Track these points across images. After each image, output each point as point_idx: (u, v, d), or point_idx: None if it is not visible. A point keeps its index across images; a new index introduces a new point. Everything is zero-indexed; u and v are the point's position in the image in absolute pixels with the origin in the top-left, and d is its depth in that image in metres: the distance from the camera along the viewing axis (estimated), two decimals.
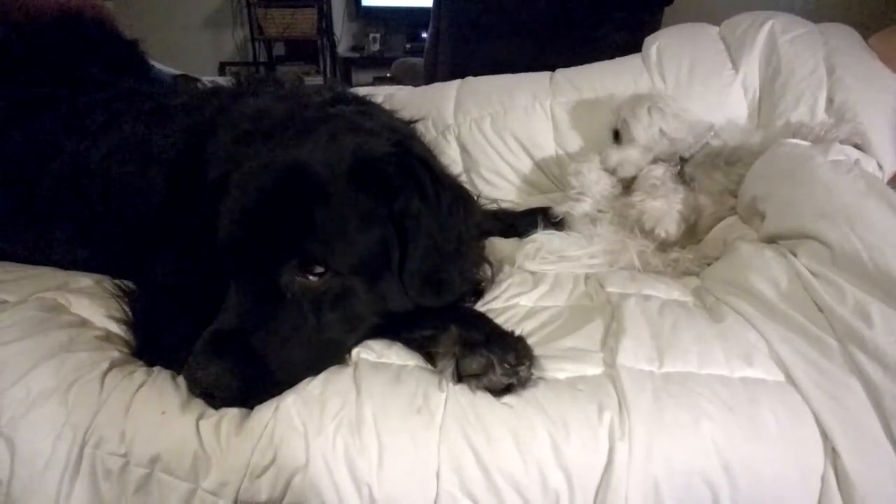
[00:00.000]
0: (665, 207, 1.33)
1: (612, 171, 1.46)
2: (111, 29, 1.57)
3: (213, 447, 0.80)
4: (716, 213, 1.36)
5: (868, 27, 1.69)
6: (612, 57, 1.87)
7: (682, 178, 1.42)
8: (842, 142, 1.33)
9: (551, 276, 1.21)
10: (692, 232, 1.38)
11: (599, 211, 1.42)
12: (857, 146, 1.34)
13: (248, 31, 4.87)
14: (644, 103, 1.44)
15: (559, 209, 1.46)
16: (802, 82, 1.53)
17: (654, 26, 2.41)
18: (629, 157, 1.44)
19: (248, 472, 0.79)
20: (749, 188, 1.27)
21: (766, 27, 1.66)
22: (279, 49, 5.05)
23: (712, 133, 1.44)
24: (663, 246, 1.34)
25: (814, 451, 0.79)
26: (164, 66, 1.79)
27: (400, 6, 4.90)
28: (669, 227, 1.30)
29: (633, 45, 1.89)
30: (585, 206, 1.42)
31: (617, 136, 1.48)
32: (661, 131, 1.41)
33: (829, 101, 1.49)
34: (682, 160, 1.43)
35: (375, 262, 0.90)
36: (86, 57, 1.43)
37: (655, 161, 1.44)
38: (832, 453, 0.78)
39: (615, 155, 1.45)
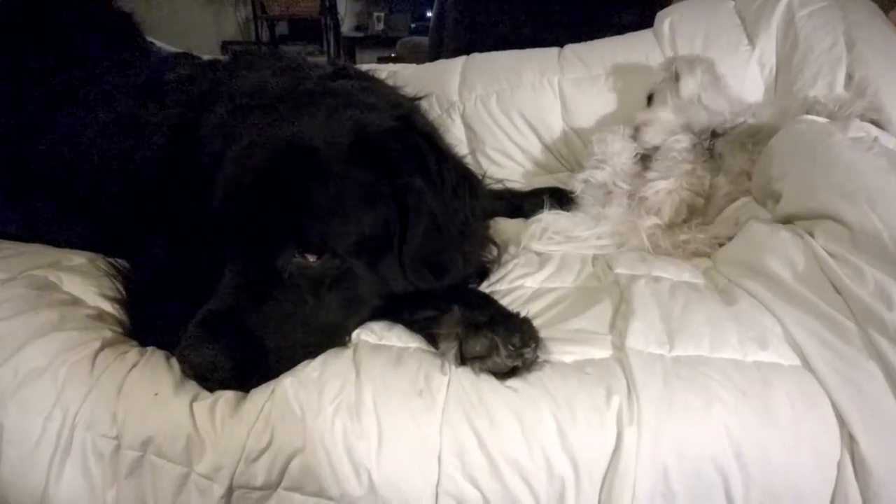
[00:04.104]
0: (670, 188, 1.30)
1: (635, 132, 1.43)
2: (105, 2, 1.54)
3: (207, 430, 0.78)
4: (730, 193, 1.32)
5: (888, 1, 1.64)
6: (621, 34, 1.82)
7: (710, 153, 1.38)
8: (858, 118, 1.29)
9: (558, 257, 1.19)
10: (704, 212, 1.34)
11: (615, 184, 1.39)
12: (874, 122, 1.30)
13: (250, 9, 4.82)
14: (703, 63, 1.42)
15: (578, 177, 1.43)
16: (821, 58, 1.49)
17: (663, 3, 2.36)
18: (660, 119, 1.41)
19: (243, 455, 0.77)
20: (764, 168, 1.23)
21: (784, 1, 1.61)
22: (283, 28, 5.01)
23: (751, 112, 1.40)
24: (673, 227, 1.31)
25: (830, 438, 0.76)
26: (165, 45, 1.75)
27: None
28: (666, 211, 1.30)
29: (642, 24, 1.85)
30: (605, 174, 1.39)
31: (650, 101, 1.45)
32: (701, 98, 1.39)
33: (849, 76, 1.45)
34: (715, 135, 1.39)
35: (376, 242, 0.88)
36: (80, 30, 1.41)
37: (687, 132, 1.40)
38: (849, 439, 0.76)
39: (643, 115, 1.43)
